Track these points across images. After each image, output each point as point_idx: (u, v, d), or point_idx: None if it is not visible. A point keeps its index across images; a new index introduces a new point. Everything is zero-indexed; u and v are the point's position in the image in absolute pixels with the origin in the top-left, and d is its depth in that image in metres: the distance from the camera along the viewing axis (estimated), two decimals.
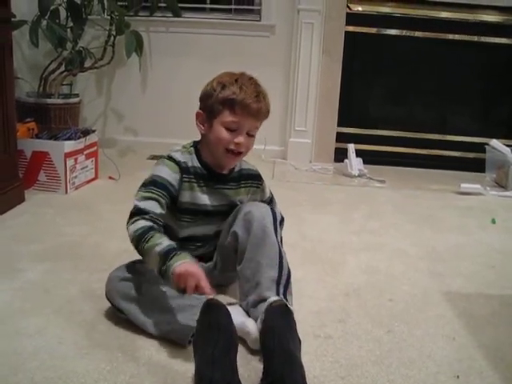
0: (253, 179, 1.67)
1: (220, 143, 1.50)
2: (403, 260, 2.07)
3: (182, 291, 1.27)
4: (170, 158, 1.54)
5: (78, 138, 2.69)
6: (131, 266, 1.51)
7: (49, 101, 2.98)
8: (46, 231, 2.15)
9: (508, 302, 1.76)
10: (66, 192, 2.62)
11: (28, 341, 1.36)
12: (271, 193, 1.77)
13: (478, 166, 3.47)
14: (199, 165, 1.56)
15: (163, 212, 1.46)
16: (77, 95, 3.20)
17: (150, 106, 3.66)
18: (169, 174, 1.50)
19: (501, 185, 3.24)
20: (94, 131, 2.84)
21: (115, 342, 1.39)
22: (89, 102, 3.52)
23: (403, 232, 2.39)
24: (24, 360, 1.27)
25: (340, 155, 3.57)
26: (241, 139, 1.50)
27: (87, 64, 3.24)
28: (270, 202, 1.74)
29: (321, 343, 1.43)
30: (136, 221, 1.40)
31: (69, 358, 1.30)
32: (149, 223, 1.40)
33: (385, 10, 3.54)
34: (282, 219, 1.60)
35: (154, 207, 1.44)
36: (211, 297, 1.27)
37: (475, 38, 3.58)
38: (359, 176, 3.31)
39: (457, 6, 3.51)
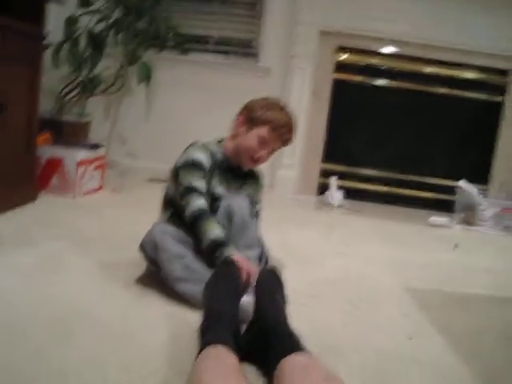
0: (259, 178, 2.00)
1: (249, 149, 1.82)
2: (372, 265, 2.35)
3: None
4: (205, 146, 1.83)
5: (90, 149, 2.99)
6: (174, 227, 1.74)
7: (63, 118, 3.28)
8: (58, 221, 2.42)
9: (459, 296, 2.05)
10: (75, 196, 2.89)
11: (51, 288, 1.61)
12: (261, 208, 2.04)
13: (448, 207, 3.79)
14: (222, 158, 1.86)
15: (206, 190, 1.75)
16: (88, 115, 3.51)
17: (151, 132, 3.97)
18: (205, 158, 1.79)
19: (469, 224, 3.54)
20: (103, 146, 3.14)
21: (128, 294, 1.64)
22: (96, 124, 3.82)
23: (375, 248, 2.69)
24: (49, 300, 1.52)
25: (323, 190, 3.89)
26: (264, 153, 1.83)
27: (99, 90, 3.57)
28: (257, 216, 2.00)
29: (297, 308, 1.64)
30: (195, 198, 1.68)
31: (86, 302, 1.55)
32: (205, 205, 1.69)
33: (373, 61, 3.94)
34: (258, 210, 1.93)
35: (202, 186, 1.73)
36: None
37: (454, 92, 3.97)
38: (339, 206, 3.62)
39: (440, 63, 3.92)
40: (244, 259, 1.58)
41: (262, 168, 2.04)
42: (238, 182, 1.90)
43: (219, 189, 1.82)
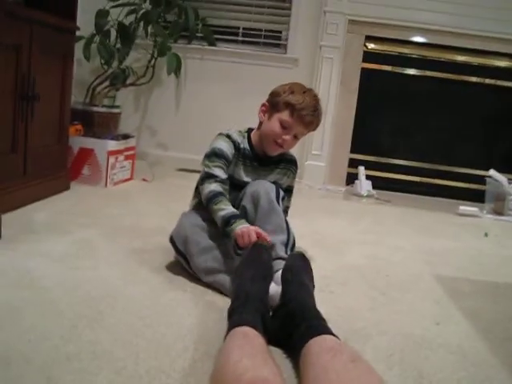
0: (292, 164, 1.98)
1: (271, 133, 1.82)
2: (401, 253, 2.35)
3: (240, 251, 1.58)
4: (229, 136, 1.85)
5: (120, 140, 3.04)
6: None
7: (94, 109, 3.34)
8: (89, 210, 2.47)
9: (488, 285, 2.03)
10: (106, 186, 2.95)
11: (83, 272, 1.66)
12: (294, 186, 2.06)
13: (478, 197, 3.75)
14: (248, 147, 1.88)
15: (226, 176, 1.79)
16: (118, 107, 3.57)
17: (181, 123, 4.02)
18: (227, 147, 1.82)
19: (499, 213, 3.51)
20: (133, 136, 3.19)
21: (156, 279, 1.68)
22: (126, 116, 3.88)
23: (403, 235, 2.68)
24: (82, 284, 1.57)
25: (351, 180, 3.88)
26: (287, 137, 1.82)
27: (129, 81, 3.62)
28: (291, 191, 2.03)
29: (325, 295, 1.70)
30: (210, 183, 1.73)
31: (117, 285, 1.59)
32: (219, 188, 1.73)
33: (402, 50, 3.91)
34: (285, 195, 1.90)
35: (221, 173, 1.77)
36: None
37: (486, 81, 3.92)
38: (367, 196, 3.61)
39: (471, 51, 3.87)
40: (248, 227, 1.61)
41: None
42: (266, 171, 1.91)
43: (244, 177, 1.86)
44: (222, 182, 1.76)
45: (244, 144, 1.88)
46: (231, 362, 1.02)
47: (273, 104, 1.84)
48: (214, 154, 1.79)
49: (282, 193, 1.83)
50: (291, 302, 1.33)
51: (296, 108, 1.77)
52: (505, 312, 1.74)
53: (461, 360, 1.34)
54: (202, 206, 1.79)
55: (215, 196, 1.71)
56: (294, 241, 1.77)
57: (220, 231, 1.69)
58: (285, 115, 1.79)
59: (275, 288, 1.47)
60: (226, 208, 1.68)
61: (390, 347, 1.36)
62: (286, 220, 1.76)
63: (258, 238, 1.58)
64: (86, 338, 1.22)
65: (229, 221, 1.65)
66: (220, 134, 1.87)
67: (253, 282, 1.38)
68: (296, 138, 1.84)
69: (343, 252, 2.26)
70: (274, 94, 1.85)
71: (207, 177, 1.76)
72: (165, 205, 2.70)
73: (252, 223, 1.70)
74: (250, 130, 1.93)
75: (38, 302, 1.39)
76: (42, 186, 2.50)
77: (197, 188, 1.90)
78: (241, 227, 1.61)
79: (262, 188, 1.76)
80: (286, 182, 1.98)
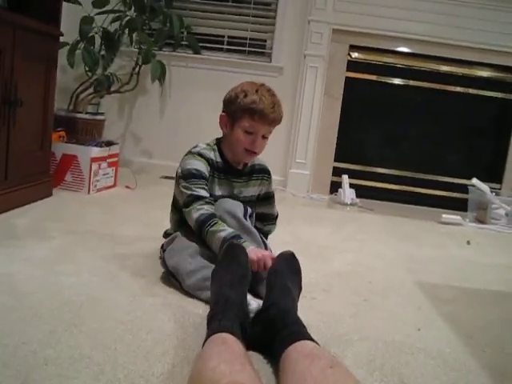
0: (263, 173, 1.96)
1: (239, 144, 1.78)
2: (383, 260, 2.35)
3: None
4: (200, 154, 1.79)
5: (104, 147, 3.03)
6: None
7: (78, 115, 3.33)
8: (71, 216, 2.46)
9: (469, 292, 2.04)
10: (89, 192, 2.93)
11: (64, 278, 1.64)
12: (273, 191, 2.05)
13: (461, 206, 3.78)
14: (221, 160, 1.84)
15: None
16: (102, 114, 3.55)
17: (165, 131, 4.02)
18: (203, 167, 1.76)
19: (481, 222, 3.54)
20: (117, 143, 3.18)
21: (136, 284, 1.67)
22: (110, 123, 3.87)
23: (386, 243, 2.69)
24: (62, 289, 1.54)
25: (335, 188, 3.90)
26: (256, 142, 1.78)
27: (113, 88, 3.61)
28: (272, 197, 2.03)
29: (307, 301, 1.69)
30: (200, 205, 1.67)
31: (97, 290, 1.57)
32: (210, 209, 1.68)
33: (386, 59, 3.95)
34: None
35: (206, 194, 1.72)
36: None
37: (469, 91, 3.98)
38: (351, 204, 3.63)
39: (454, 62, 3.92)
40: (258, 251, 1.58)
41: (274, 165, 2.06)
42: (241, 183, 1.89)
43: (219, 192, 1.82)
44: (210, 203, 1.71)
45: (216, 158, 1.83)
46: (209, 368, 1.01)
47: (230, 113, 1.78)
48: (192, 176, 1.73)
49: (249, 210, 1.82)
50: (272, 307, 1.32)
51: (255, 110, 1.71)
52: (485, 318, 1.75)
53: (441, 365, 1.34)
54: (185, 223, 1.75)
55: (209, 218, 1.65)
56: (271, 251, 1.77)
57: (217, 252, 1.61)
58: (246, 121, 1.74)
59: (255, 304, 1.42)
60: (226, 229, 1.63)
61: (371, 353, 1.36)
62: (259, 235, 1.76)
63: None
64: (64, 342, 1.21)
65: (234, 238, 1.58)
66: (190, 153, 1.80)
67: (231, 287, 1.36)
68: (265, 137, 1.80)
69: (326, 259, 2.26)
70: (228, 103, 1.80)
71: (193, 200, 1.69)
72: (147, 212, 2.69)
73: None
74: (218, 141, 1.88)
75: (17, 307, 1.38)
76: (24, 191, 2.48)
77: (175, 203, 1.87)
78: (254, 251, 1.57)
79: (231, 208, 1.74)
80: (264, 190, 1.98)
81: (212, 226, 1.63)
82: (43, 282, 1.58)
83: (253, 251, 1.57)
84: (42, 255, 1.83)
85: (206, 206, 1.68)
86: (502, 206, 3.44)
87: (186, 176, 1.74)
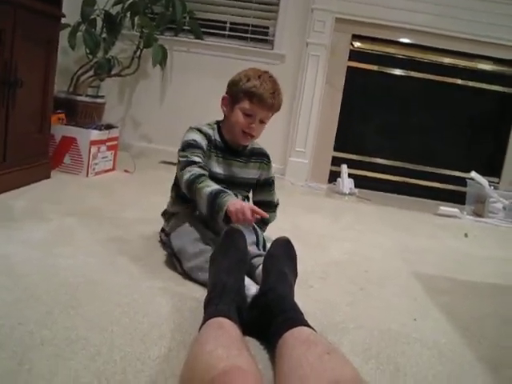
0: (262, 156, 1.99)
1: (237, 125, 1.82)
2: (380, 250, 2.36)
3: (228, 223, 1.56)
4: (199, 129, 1.85)
5: (103, 130, 3.02)
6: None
7: (78, 98, 3.30)
8: (70, 198, 2.45)
9: (466, 283, 2.05)
10: (87, 175, 2.92)
11: (62, 260, 1.64)
12: (274, 177, 2.07)
13: (459, 199, 3.78)
14: (219, 139, 1.88)
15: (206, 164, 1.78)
16: (102, 97, 3.54)
17: (165, 116, 4.00)
18: (200, 139, 1.81)
19: (479, 215, 3.54)
20: (117, 127, 3.16)
21: (134, 267, 1.67)
22: (110, 106, 3.85)
23: (383, 233, 2.70)
24: (60, 270, 1.55)
25: (334, 178, 3.90)
26: (254, 125, 1.82)
27: (114, 71, 3.59)
28: (272, 183, 2.04)
29: (305, 290, 1.69)
30: (192, 167, 1.71)
31: (95, 273, 1.57)
32: (202, 171, 1.71)
33: (388, 50, 3.93)
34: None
35: (199, 159, 1.76)
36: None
37: (470, 84, 3.96)
38: (349, 194, 3.63)
39: (456, 54, 3.90)
40: (241, 203, 1.59)
41: (273, 153, 2.06)
42: (240, 163, 1.91)
43: (216, 168, 1.85)
44: (203, 167, 1.74)
45: (215, 136, 1.88)
46: (206, 352, 1.01)
47: (232, 95, 1.84)
48: (189, 145, 1.78)
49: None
50: (269, 293, 1.32)
51: (255, 94, 1.77)
52: (481, 310, 1.76)
53: (437, 355, 1.34)
54: (180, 199, 1.77)
55: (198, 177, 1.68)
56: (265, 241, 1.78)
57: (206, 213, 1.65)
58: (245, 104, 1.79)
59: (254, 289, 1.43)
60: (212, 185, 1.66)
61: (367, 341, 1.37)
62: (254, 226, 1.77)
63: (253, 215, 1.57)
64: (61, 323, 1.20)
65: (218, 195, 1.61)
66: (190, 128, 1.86)
67: (229, 273, 1.36)
68: (263, 122, 1.85)
69: (323, 248, 2.26)
70: (231, 85, 1.86)
71: (187, 164, 1.73)
72: (146, 196, 2.68)
73: None
74: (218, 122, 1.93)
75: (14, 288, 1.37)
76: (22, 173, 2.47)
77: (175, 183, 1.90)
78: (233, 202, 1.59)
79: None
80: (264, 175, 2.00)
81: (200, 183, 1.67)
82: (40, 264, 1.58)
83: (231, 204, 1.58)
84: (40, 237, 1.83)
85: (197, 168, 1.72)
86: (499, 199, 3.44)
87: (184, 147, 1.80)
